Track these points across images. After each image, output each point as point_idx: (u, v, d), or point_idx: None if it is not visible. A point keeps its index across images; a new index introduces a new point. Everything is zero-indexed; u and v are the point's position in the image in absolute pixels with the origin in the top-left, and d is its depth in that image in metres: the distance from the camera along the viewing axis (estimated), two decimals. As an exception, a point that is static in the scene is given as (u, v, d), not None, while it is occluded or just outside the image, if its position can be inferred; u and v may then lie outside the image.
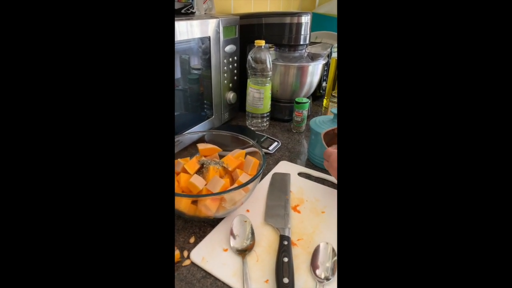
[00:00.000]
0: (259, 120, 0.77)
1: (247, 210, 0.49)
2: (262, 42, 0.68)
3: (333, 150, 0.45)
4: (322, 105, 0.95)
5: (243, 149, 0.54)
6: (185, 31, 0.56)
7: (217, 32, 0.65)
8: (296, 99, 0.73)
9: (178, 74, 0.66)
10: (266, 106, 0.74)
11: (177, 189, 0.44)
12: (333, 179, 0.57)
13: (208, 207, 0.41)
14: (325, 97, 0.93)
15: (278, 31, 0.74)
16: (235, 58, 0.74)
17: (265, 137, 0.72)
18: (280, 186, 0.55)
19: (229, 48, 0.70)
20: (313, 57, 0.77)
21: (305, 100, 0.73)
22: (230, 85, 0.75)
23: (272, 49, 0.82)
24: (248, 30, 0.76)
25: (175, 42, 0.56)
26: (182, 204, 0.41)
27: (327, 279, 0.36)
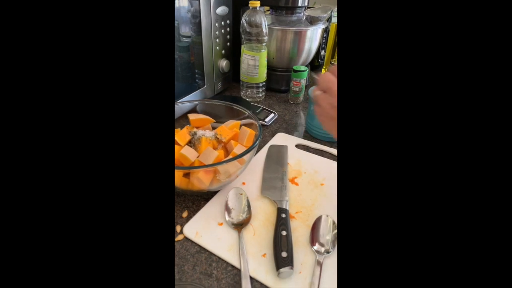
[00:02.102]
0: (255, 91, 0.73)
1: (243, 183, 0.46)
2: (257, 3, 0.62)
3: (319, 92, 0.35)
4: (320, 75, 0.90)
5: (237, 120, 0.51)
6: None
7: (207, -9, 0.58)
8: (294, 67, 0.69)
9: None
10: (261, 75, 0.70)
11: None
12: (333, 151, 0.55)
13: (201, 180, 0.38)
14: (324, 66, 0.88)
15: (274, -9, 0.68)
16: (228, 21, 0.68)
17: (261, 108, 0.68)
18: (277, 158, 0.52)
19: (221, 10, 0.64)
20: (312, 21, 0.71)
21: (303, 68, 0.69)
22: (223, 52, 0.70)
23: (268, 12, 0.76)
24: (241, -10, 0.69)
25: None
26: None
27: (327, 252, 0.35)
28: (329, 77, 0.32)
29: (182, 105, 0.53)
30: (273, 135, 0.60)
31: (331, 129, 0.33)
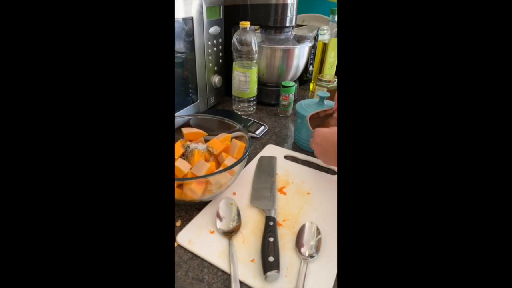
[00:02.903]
0: (246, 105, 0.76)
1: (234, 193, 0.49)
2: (247, 24, 0.66)
3: (321, 129, 0.47)
4: (309, 89, 0.94)
5: (229, 133, 0.54)
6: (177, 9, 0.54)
7: (200, 13, 0.63)
8: (283, 83, 0.73)
9: None
10: (252, 90, 0.74)
11: (161, 174, 0.44)
12: (319, 161, 0.58)
13: (194, 191, 0.41)
14: (312, 81, 0.93)
15: (263, 12, 0.72)
16: (220, 40, 0.72)
17: (252, 121, 0.71)
18: (266, 169, 0.55)
19: (213, 29, 0.68)
20: (299, 40, 0.76)
21: (291, 83, 0.73)
22: (215, 68, 0.74)
23: (258, 31, 0.80)
24: (233, 11, 0.74)
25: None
26: (167, 188, 0.41)
27: (311, 256, 0.37)
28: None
29: (176, 119, 0.56)
30: (263, 146, 0.63)
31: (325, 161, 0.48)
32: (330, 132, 0.45)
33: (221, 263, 0.37)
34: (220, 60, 0.74)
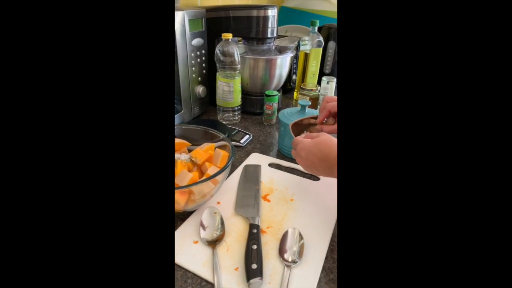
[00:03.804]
0: (231, 114, 0.77)
1: (218, 202, 0.49)
2: (229, 35, 0.68)
3: (301, 139, 0.46)
4: (293, 97, 0.97)
5: (212, 142, 0.54)
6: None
7: (183, 25, 0.64)
8: (266, 92, 0.74)
9: None
10: (236, 99, 0.75)
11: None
12: (302, 168, 0.59)
13: (177, 201, 0.41)
14: (295, 90, 0.95)
15: (245, 24, 0.75)
16: (203, 51, 0.73)
17: (237, 130, 0.72)
18: (251, 177, 0.56)
19: (196, 41, 0.69)
20: (281, 50, 0.78)
21: (274, 93, 0.74)
22: (199, 78, 0.74)
23: (241, 42, 0.82)
24: (216, 23, 0.76)
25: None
26: (149, 199, 0.41)
27: (294, 262, 0.38)
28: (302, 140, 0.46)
29: (159, 130, 0.57)
30: (248, 155, 0.64)
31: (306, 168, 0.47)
32: (313, 144, 0.43)
33: (205, 272, 0.37)
34: (204, 71, 0.76)
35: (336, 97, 0.54)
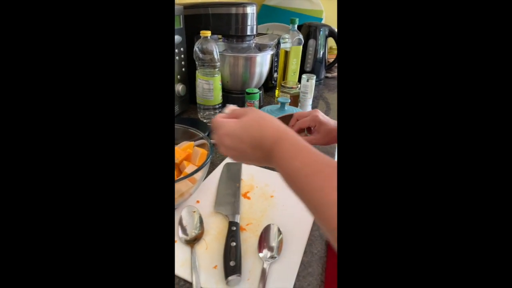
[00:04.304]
0: (212, 112, 0.76)
1: (197, 201, 0.49)
2: (207, 33, 0.67)
3: (222, 120, 0.35)
4: (275, 95, 0.97)
5: (192, 141, 0.53)
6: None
7: (159, 22, 0.63)
8: (247, 90, 0.74)
9: None
10: (217, 97, 0.74)
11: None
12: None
13: (153, 201, 0.40)
14: (277, 88, 0.96)
15: (224, 22, 0.74)
16: (182, 49, 0.72)
17: (217, 128, 0.72)
18: (231, 175, 0.55)
19: (175, 39, 0.68)
20: (261, 48, 0.78)
21: (255, 90, 0.74)
22: (178, 77, 0.73)
23: (221, 40, 0.82)
24: (195, 20, 0.75)
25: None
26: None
27: (273, 257, 0.38)
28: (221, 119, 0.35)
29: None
30: (228, 153, 0.64)
31: (236, 159, 0.36)
32: (240, 128, 0.33)
33: (183, 272, 0.37)
34: (183, 69, 0.74)
35: (306, 112, 0.54)
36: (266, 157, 0.32)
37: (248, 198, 0.50)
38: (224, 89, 0.78)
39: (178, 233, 0.42)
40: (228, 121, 0.34)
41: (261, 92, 0.82)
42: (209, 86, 0.72)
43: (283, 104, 0.63)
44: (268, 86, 0.98)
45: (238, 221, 0.43)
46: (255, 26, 0.76)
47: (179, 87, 0.74)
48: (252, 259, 0.39)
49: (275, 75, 0.98)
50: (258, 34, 0.82)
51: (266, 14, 1.30)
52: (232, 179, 0.54)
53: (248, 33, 0.76)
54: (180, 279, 0.36)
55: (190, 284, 0.36)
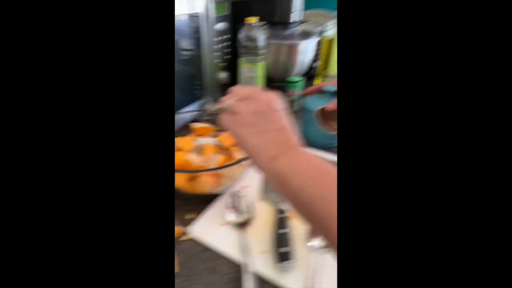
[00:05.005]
0: (252, 101, 0.76)
1: (244, 187, 0.49)
2: (253, 19, 0.66)
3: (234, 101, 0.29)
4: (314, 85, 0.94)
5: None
6: (180, 5, 0.55)
7: (209, 9, 0.63)
8: (289, 78, 0.73)
9: None
10: (259, 85, 0.74)
11: (173, 167, 0.44)
12: (327, 156, 0.58)
13: (205, 183, 0.41)
14: (316, 77, 0.93)
15: (269, 8, 0.73)
16: (227, 36, 0.72)
17: (259, 117, 0.71)
18: (275, 163, 0.55)
19: (221, 25, 0.68)
20: (305, 35, 0.76)
21: (298, 79, 0.73)
22: (223, 64, 0.74)
23: (264, 27, 0.80)
24: (239, 7, 0.74)
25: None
26: (179, 181, 0.41)
27: (323, 247, 0.38)
28: (245, 87, 0.30)
29: (184, 115, 0.57)
30: (270, 142, 0.63)
31: (247, 137, 0.28)
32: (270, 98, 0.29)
33: (235, 254, 0.38)
34: (227, 57, 0.75)
35: None
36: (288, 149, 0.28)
37: (294, 187, 0.50)
38: (265, 78, 0.78)
39: (228, 216, 0.43)
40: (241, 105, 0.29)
41: (303, 79, 0.80)
42: (252, 74, 0.71)
43: (329, 92, 0.61)
44: (309, 75, 0.96)
45: (286, 208, 0.43)
46: (300, 13, 0.74)
47: (222, 75, 0.74)
48: (301, 248, 0.39)
49: (315, 64, 0.95)
50: (303, 22, 0.80)
51: (308, 0, 1.25)
52: (276, 168, 0.54)
53: (293, 20, 0.74)
54: (231, 260, 0.37)
55: (240, 266, 0.36)
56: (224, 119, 0.30)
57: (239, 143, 0.30)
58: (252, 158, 0.29)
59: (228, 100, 0.30)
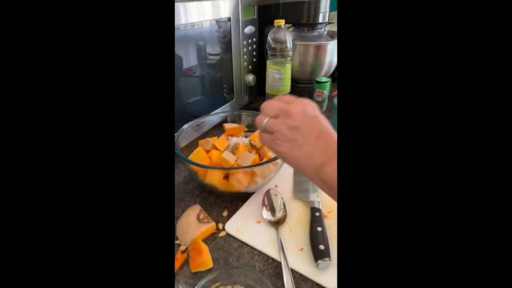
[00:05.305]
0: (279, 102, 0.77)
1: (276, 186, 0.49)
2: (281, 22, 0.67)
3: (267, 118, 0.30)
4: (341, 86, 0.93)
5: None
6: (207, 11, 0.57)
7: (237, 12, 0.65)
8: (317, 79, 0.73)
9: (195, 61, 0.66)
10: (286, 87, 0.74)
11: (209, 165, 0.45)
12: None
13: (240, 181, 0.42)
14: (344, 78, 0.92)
15: (296, 10, 0.73)
16: (254, 39, 0.73)
17: (286, 118, 0.72)
18: (305, 163, 0.55)
19: (248, 29, 0.70)
20: (333, 36, 0.76)
21: (325, 79, 0.72)
22: (250, 67, 0.75)
23: (290, 29, 0.81)
24: (265, 11, 0.75)
25: (195, 23, 0.56)
26: (215, 178, 0.42)
27: (362, 246, 0.37)
28: (274, 103, 0.30)
29: (216, 116, 0.58)
30: (299, 142, 0.63)
31: (288, 152, 0.29)
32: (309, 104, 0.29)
33: (271, 251, 0.38)
34: (254, 59, 0.76)
35: None
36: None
37: (326, 186, 0.49)
38: (292, 79, 0.78)
39: (262, 214, 0.43)
40: (288, 108, 0.29)
41: (330, 80, 0.80)
42: (280, 75, 0.72)
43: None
44: (334, 76, 0.95)
45: (321, 208, 0.43)
46: (327, 14, 0.74)
47: (249, 78, 0.75)
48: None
49: (342, 65, 0.94)
50: (330, 22, 0.79)
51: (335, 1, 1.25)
52: (307, 167, 0.54)
53: (320, 20, 0.74)
54: (269, 257, 0.37)
55: (278, 263, 0.36)
56: (263, 138, 0.31)
57: (283, 159, 0.31)
58: (298, 170, 0.29)
59: (260, 120, 0.31)
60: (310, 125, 0.28)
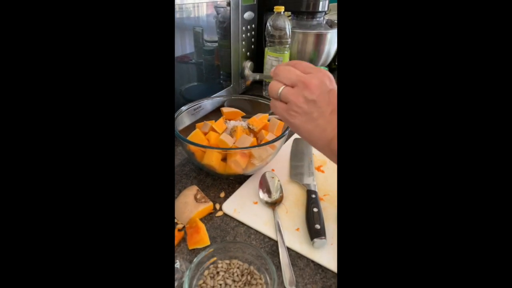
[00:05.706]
0: (276, 90, 0.77)
1: (273, 170, 0.50)
2: (281, 8, 0.67)
3: (283, 87, 0.29)
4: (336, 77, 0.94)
5: (266, 114, 0.55)
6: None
7: (237, -2, 0.64)
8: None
9: (192, 48, 0.65)
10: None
11: (206, 147, 0.45)
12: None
13: (238, 163, 0.42)
14: (341, 69, 0.92)
15: (296, -2, 0.73)
16: (253, 25, 0.73)
17: (283, 106, 0.72)
18: (302, 149, 0.56)
19: (248, 15, 0.69)
20: (332, 25, 0.76)
21: (324, 68, 0.73)
22: (248, 54, 0.75)
23: (290, 17, 0.81)
24: (265, -3, 0.75)
25: (191, 5, 0.55)
26: (213, 159, 0.42)
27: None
28: (291, 70, 0.29)
29: (214, 100, 0.58)
30: (296, 129, 0.64)
31: (302, 124, 0.29)
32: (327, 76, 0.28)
33: (267, 230, 0.38)
34: (253, 46, 0.76)
35: None
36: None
37: (322, 171, 0.50)
38: (290, 68, 0.78)
39: (259, 195, 0.43)
40: (307, 76, 0.28)
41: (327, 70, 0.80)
42: (278, 63, 0.72)
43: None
44: (331, 67, 0.95)
45: (316, 190, 0.44)
46: (327, 2, 0.74)
47: (247, 64, 0.75)
48: (333, 226, 0.39)
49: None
50: (329, 11, 0.79)
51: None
52: (303, 153, 0.54)
53: (320, 9, 0.74)
54: (265, 236, 0.38)
55: (275, 241, 0.37)
56: (276, 107, 0.30)
57: (294, 130, 0.30)
58: (309, 142, 0.30)
59: (275, 88, 0.29)
60: (327, 99, 0.27)
